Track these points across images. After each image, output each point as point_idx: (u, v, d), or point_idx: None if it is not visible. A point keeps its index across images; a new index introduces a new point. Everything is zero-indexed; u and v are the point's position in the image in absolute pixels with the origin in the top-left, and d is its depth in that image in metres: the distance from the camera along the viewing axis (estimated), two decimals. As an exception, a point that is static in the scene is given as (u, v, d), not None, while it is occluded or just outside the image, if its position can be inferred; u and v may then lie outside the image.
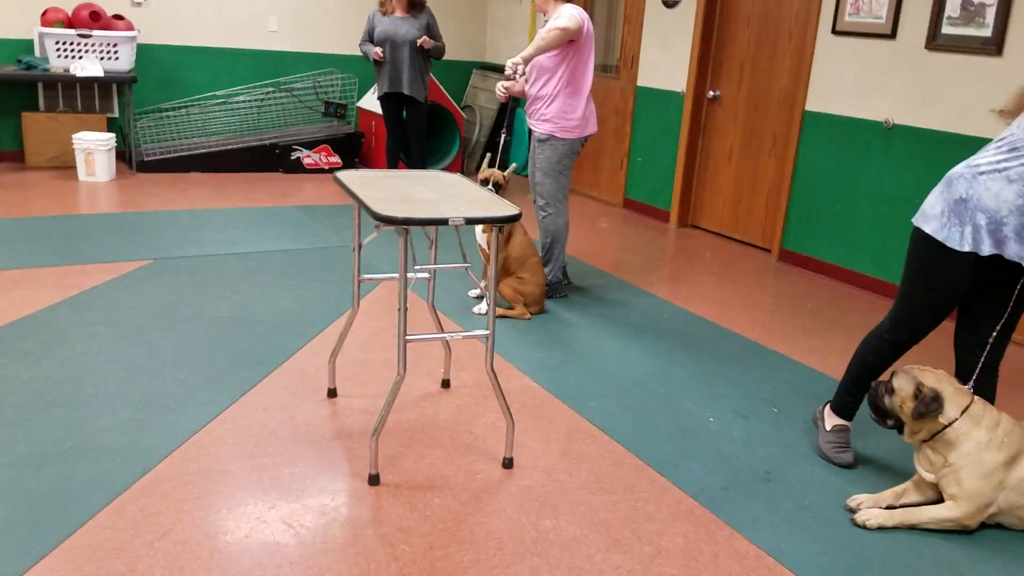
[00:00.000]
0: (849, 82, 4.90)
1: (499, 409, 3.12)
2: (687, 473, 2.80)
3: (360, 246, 2.95)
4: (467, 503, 2.54)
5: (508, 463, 2.77)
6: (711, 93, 5.93)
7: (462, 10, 8.27)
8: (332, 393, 3.17)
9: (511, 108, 7.82)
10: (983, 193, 2.48)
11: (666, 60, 6.18)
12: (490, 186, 3.92)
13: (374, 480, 2.60)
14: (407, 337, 2.55)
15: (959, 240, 2.53)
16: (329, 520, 2.40)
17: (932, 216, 2.61)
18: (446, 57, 7.72)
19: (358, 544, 2.30)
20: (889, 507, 2.63)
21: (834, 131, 5.02)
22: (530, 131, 4.32)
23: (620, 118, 6.71)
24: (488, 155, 4.17)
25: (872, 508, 2.62)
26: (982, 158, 2.53)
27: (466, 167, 7.66)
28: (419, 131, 6.16)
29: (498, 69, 8.04)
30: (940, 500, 2.57)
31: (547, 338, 3.89)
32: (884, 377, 2.77)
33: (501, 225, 2.59)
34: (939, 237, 2.57)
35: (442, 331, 3.14)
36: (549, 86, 4.10)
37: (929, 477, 2.59)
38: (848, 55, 4.89)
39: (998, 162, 2.47)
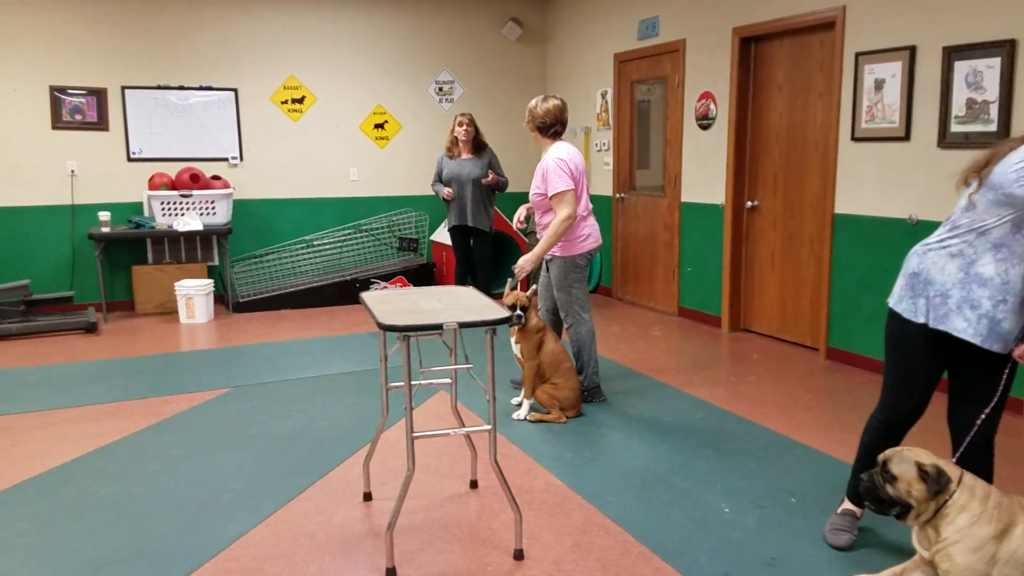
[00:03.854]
0: (871, 184, 5.08)
1: (521, 506, 3.32)
2: (692, 560, 2.91)
3: (386, 357, 3.29)
4: (474, 590, 2.73)
5: (519, 555, 2.95)
6: (749, 203, 6.18)
7: (523, 146, 8.89)
8: (367, 496, 3.45)
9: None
10: (931, 267, 2.67)
11: (705, 176, 6.50)
12: (518, 310, 4.24)
13: (391, 573, 2.83)
14: (413, 434, 2.84)
15: (913, 311, 2.70)
16: (342, 604, 2.64)
17: (895, 291, 2.81)
18: (511, 189, 8.32)
19: (364, 624, 2.52)
20: (884, 586, 2.67)
21: (863, 231, 5.17)
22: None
23: (669, 232, 7.01)
24: (509, 280, 4.50)
25: (867, 587, 2.66)
26: (933, 236, 2.72)
27: (530, 285, 8.06)
28: (483, 257, 6.65)
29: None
30: (937, 577, 2.60)
31: (578, 439, 4.09)
32: (873, 467, 2.84)
33: (494, 328, 2.89)
34: (898, 309, 2.75)
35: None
36: (548, 217, 4.48)
37: (926, 555, 2.62)
38: (868, 159, 5.10)
39: (942, 239, 2.66)
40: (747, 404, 4.62)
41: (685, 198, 6.76)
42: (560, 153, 4.39)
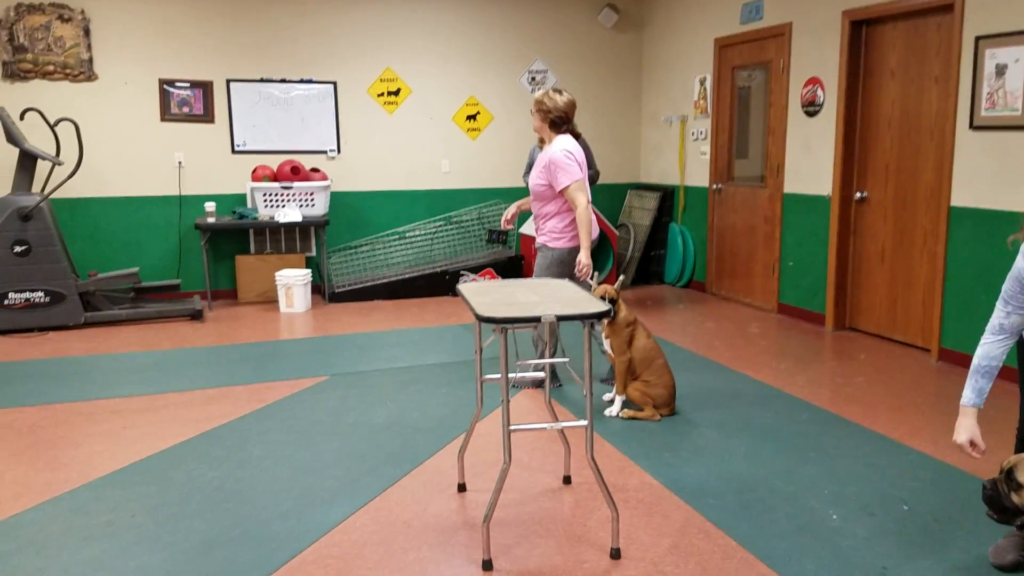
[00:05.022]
0: (991, 175, 4.78)
1: (616, 504, 3.26)
2: (798, 568, 2.79)
3: (481, 349, 3.27)
4: (570, 588, 2.69)
5: (616, 553, 2.89)
6: (858, 194, 5.92)
7: (617, 136, 8.76)
8: (462, 488, 3.45)
9: (665, 224, 8.09)
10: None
11: (811, 166, 6.26)
12: (607, 301, 4.17)
13: (487, 565, 2.82)
14: (510, 427, 2.82)
15: None
16: (439, 597, 2.63)
17: None
18: (604, 180, 8.24)
19: (461, 619, 2.51)
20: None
21: (981, 225, 4.88)
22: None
23: (769, 224, 6.79)
24: (596, 274, 4.46)
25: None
26: None
27: (619, 277, 7.94)
28: (574, 250, 6.58)
29: (651, 188, 8.38)
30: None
31: (673, 438, 4.00)
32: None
33: (592, 321, 2.83)
34: None
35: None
36: (547, 207, 4.51)
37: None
38: (988, 149, 4.80)
39: None
40: (854, 406, 4.43)
41: (788, 189, 6.53)
42: (567, 145, 4.43)
